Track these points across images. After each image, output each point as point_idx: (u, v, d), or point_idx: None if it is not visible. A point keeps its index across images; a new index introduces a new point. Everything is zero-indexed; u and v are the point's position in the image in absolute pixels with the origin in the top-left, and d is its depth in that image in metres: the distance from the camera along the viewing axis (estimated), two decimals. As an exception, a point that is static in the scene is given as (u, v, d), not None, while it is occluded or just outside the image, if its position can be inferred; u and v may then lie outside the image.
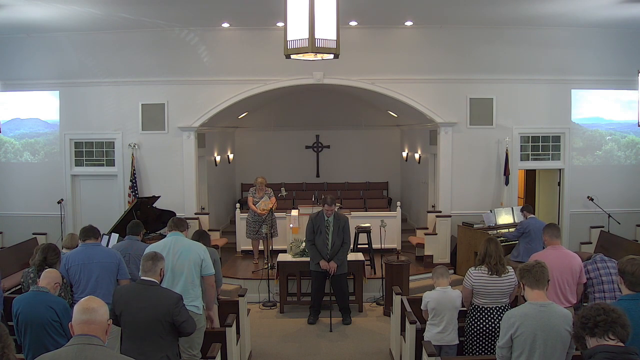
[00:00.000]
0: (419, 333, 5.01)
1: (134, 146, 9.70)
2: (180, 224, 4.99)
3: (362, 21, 8.87)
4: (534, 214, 8.25)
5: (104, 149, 9.94)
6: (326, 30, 4.28)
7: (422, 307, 4.99)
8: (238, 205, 10.66)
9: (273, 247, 9.00)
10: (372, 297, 8.29)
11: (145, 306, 3.73)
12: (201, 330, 4.76)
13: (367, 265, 8.46)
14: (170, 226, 4.96)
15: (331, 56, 4.49)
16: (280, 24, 7.56)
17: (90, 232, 5.18)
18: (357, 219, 9.37)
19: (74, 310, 2.65)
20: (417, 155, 12.32)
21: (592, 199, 9.75)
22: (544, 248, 5.32)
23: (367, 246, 8.82)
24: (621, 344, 2.60)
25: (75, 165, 9.97)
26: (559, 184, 10.08)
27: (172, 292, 3.96)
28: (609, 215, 9.48)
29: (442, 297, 4.85)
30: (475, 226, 8.88)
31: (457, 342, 4.85)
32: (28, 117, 9.90)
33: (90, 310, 2.62)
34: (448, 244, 9.44)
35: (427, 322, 4.92)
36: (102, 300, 2.75)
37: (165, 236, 5.03)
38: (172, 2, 7.67)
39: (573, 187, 9.88)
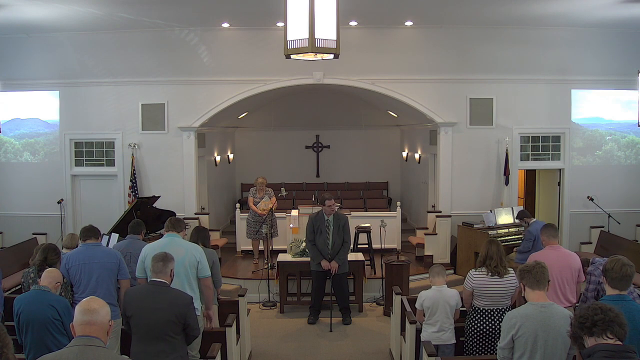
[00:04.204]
0: (419, 333, 5.02)
1: (134, 146, 9.70)
2: (178, 225, 4.98)
3: (362, 21, 8.87)
4: (534, 216, 8.19)
5: (104, 149, 9.94)
6: (326, 30, 4.28)
7: (416, 306, 4.99)
8: (238, 205, 10.67)
9: (273, 247, 9.01)
10: (372, 297, 8.29)
11: (159, 307, 3.74)
12: (199, 331, 4.76)
13: (367, 265, 8.46)
14: (168, 227, 4.95)
15: (331, 56, 4.49)
16: (280, 24, 7.56)
17: (91, 232, 5.18)
18: (357, 219, 9.38)
19: (75, 310, 2.66)
20: (417, 155, 12.33)
21: (592, 199, 9.75)
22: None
23: (367, 246, 8.83)
24: (619, 343, 2.60)
25: (75, 165, 9.97)
26: (559, 184, 10.09)
27: (184, 293, 3.99)
28: (609, 215, 9.48)
29: (437, 296, 4.85)
30: (475, 226, 8.88)
31: (453, 341, 4.84)
32: (28, 117, 9.90)
33: (92, 311, 2.62)
34: (448, 244, 9.45)
35: (424, 322, 4.92)
36: (103, 301, 2.75)
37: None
38: (172, 2, 7.67)
39: (573, 187, 9.88)
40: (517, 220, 8.31)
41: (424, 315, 4.92)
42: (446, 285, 4.97)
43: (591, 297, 4.96)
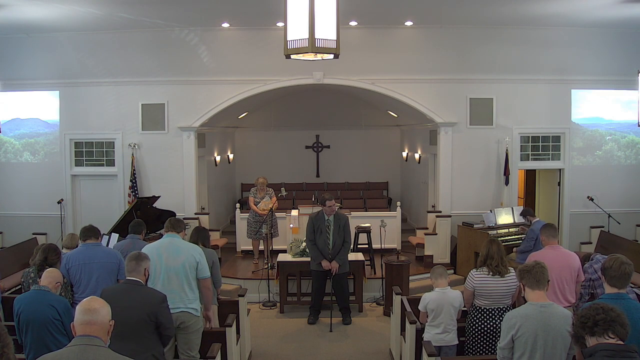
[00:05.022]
0: (419, 333, 5.01)
1: (134, 146, 9.70)
2: (177, 225, 4.97)
3: (362, 21, 8.87)
4: (536, 216, 8.20)
5: (104, 149, 9.94)
6: (326, 30, 4.27)
7: (420, 308, 4.95)
8: (238, 205, 10.66)
9: (273, 247, 9.01)
10: (372, 297, 8.29)
11: (131, 306, 3.74)
12: (199, 332, 4.76)
13: (367, 265, 8.46)
14: (167, 227, 4.94)
15: (331, 56, 4.48)
16: (280, 24, 7.56)
17: (91, 232, 5.18)
18: (357, 219, 9.37)
19: (76, 310, 2.66)
20: (417, 155, 12.33)
21: (592, 199, 9.75)
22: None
23: (367, 246, 8.82)
24: (621, 343, 2.60)
25: (75, 165, 9.97)
26: (559, 184, 10.09)
27: (157, 292, 3.98)
28: (609, 215, 9.48)
29: (441, 297, 4.83)
30: (475, 226, 8.88)
31: (456, 342, 4.84)
32: (28, 117, 9.90)
33: (92, 311, 2.63)
34: (448, 244, 9.44)
35: (427, 324, 4.90)
36: (104, 301, 2.76)
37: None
38: (172, 2, 7.67)
39: (573, 187, 9.89)
40: (520, 218, 8.36)
41: (427, 317, 4.91)
42: (449, 287, 4.95)
43: (585, 294, 5.01)
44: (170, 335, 3.95)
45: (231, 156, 13.84)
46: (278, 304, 7.99)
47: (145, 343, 3.74)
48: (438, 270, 5.00)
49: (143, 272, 3.93)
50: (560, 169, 10.00)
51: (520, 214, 8.37)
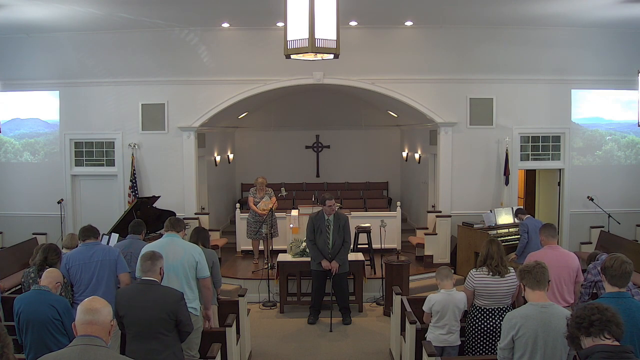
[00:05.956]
0: (419, 333, 5.01)
1: (134, 146, 9.70)
2: (177, 225, 4.98)
3: (362, 21, 8.87)
4: (529, 214, 8.24)
5: (104, 149, 9.94)
6: (326, 30, 4.27)
7: (425, 309, 4.93)
8: (238, 205, 10.67)
9: (273, 247, 9.01)
10: (372, 297, 8.29)
11: (149, 305, 3.75)
12: (199, 331, 4.78)
13: (367, 265, 8.46)
14: (167, 227, 4.95)
15: (331, 56, 4.48)
16: (280, 24, 7.55)
17: (90, 232, 5.19)
18: (357, 219, 9.37)
19: (77, 310, 2.66)
20: (417, 155, 12.33)
21: (592, 199, 9.76)
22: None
23: (367, 246, 8.83)
24: (617, 343, 2.59)
25: (75, 165, 9.97)
26: (559, 184, 10.09)
27: (174, 290, 4.00)
28: (609, 215, 9.48)
29: (447, 299, 4.81)
30: (475, 226, 8.89)
31: (459, 342, 4.85)
32: (28, 117, 9.90)
33: (94, 311, 2.63)
34: (448, 244, 9.44)
35: (431, 324, 4.89)
36: (105, 301, 2.76)
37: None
38: (172, 2, 7.67)
39: (573, 187, 9.89)
40: (516, 219, 8.41)
41: (431, 317, 4.91)
42: (455, 289, 4.94)
43: (585, 294, 5.01)
44: (188, 331, 3.96)
45: (231, 156, 13.84)
46: (278, 304, 7.99)
47: (165, 341, 3.77)
48: (444, 271, 4.98)
49: (159, 272, 3.96)
50: (560, 169, 10.00)
51: (515, 215, 8.45)
